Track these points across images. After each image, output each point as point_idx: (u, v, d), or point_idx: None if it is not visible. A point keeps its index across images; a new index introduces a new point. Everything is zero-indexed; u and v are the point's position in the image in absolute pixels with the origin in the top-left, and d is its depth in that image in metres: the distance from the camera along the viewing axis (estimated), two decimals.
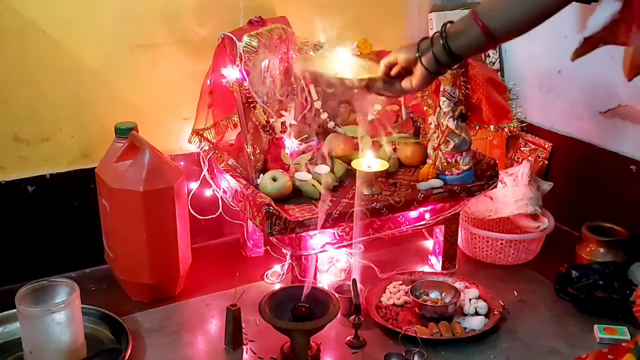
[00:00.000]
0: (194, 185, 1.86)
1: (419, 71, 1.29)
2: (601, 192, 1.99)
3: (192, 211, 1.82)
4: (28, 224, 1.80)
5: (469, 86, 1.71)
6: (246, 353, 1.54)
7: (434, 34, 1.28)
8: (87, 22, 1.76)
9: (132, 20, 1.81)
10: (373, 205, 1.61)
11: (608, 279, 1.70)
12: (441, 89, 1.74)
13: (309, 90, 1.85)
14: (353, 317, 1.55)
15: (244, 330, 1.57)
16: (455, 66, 1.28)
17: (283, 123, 1.80)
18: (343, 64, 1.53)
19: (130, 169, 1.63)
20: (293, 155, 1.75)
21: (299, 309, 1.46)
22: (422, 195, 1.67)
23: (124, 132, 1.70)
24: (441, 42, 1.24)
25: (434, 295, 1.69)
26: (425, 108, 1.83)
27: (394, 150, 1.84)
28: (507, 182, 1.89)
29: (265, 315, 1.43)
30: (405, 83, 1.33)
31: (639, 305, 1.27)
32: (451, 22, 1.25)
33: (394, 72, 1.35)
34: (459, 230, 1.86)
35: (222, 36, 1.70)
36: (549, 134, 2.15)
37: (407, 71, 1.32)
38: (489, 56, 2.26)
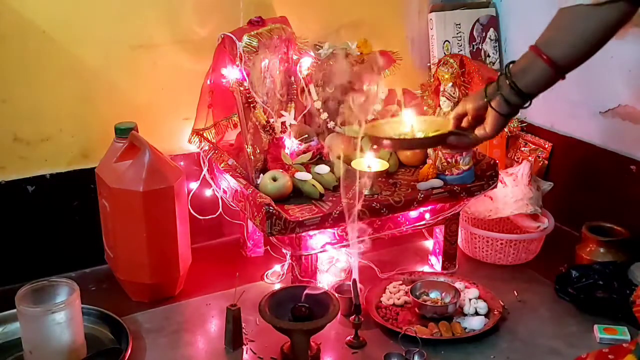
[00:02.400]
0: (194, 185, 1.86)
1: (491, 117, 1.27)
2: (601, 192, 1.99)
3: (192, 211, 1.82)
4: (28, 224, 1.80)
5: (469, 86, 1.71)
6: (246, 353, 1.54)
7: (499, 76, 1.26)
8: (87, 22, 1.76)
9: (132, 20, 1.81)
10: (373, 205, 1.61)
11: (608, 279, 1.71)
12: (441, 89, 1.74)
13: (309, 90, 1.85)
14: (353, 317, 1.55)
15: (244, 330, 1.57)
16: (527, 104, 1.26)
17: (283, 123, 1.80)
18: (409, 124, 1.50)
19: (130, 169, 1.63)
20: (293, 155, 1.75)
21: (299, 309, 1.46)
22: (422, 195, 1.67)
23: (124, 132, 1.70)
24: (508, 82, 1.23)
25: (434, 295, 1.69)
26: (425, 108, 1.83)
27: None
28: (507, 182, 1.89)
29: (265, 315, 1.43)
30: (479, 131, 1.30)
31: (639, 305, 1.27)
32: (513, 61, 1.24)
33: (465, 123, 1.33)
34: (459, 230, 1.86)
35: (222, 36, 1.70)
36: (549, 134, 2.15)
37: (477, 119, 1.30)
38: (489, 56, 2.26)
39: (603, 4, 1.14)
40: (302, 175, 1.68)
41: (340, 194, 1.59)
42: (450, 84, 1.71)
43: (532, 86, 1.23)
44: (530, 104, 1.26)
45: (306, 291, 1.47)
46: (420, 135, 1.40)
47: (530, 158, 2.16)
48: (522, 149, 2.21)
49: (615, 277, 1.71)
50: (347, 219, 1.52)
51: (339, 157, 1.76)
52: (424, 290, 1.70)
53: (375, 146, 1.49)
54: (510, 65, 1.24)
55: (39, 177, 1.79)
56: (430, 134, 1.38)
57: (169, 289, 1.74)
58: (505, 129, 1.78)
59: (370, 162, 1.68)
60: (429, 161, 1.77)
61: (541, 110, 2.16)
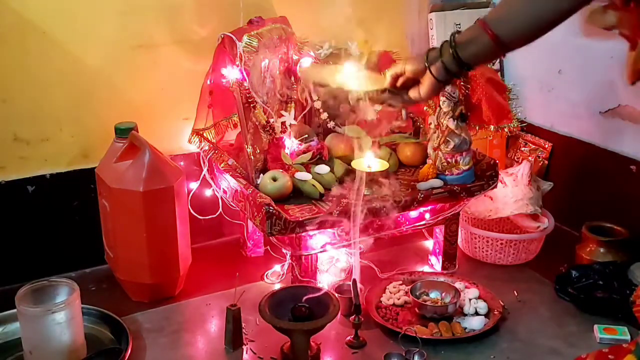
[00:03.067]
0: (194, 185, 1.86)
1: (427, 80, 1.30)
2: (601, 192, 1.99)
3: (192, 211, 1.82)
4: (28, 224, 1.80)
5: (469, 86, 1.71)
6: (246, 353, 1.54)
7: (442, 43, 1.28)
8: (87, 22, 1.76)
9: (132, 20, 1.81)
10: (373, 205, 1.61)
11: (608, 279, 1.71)
12: None
13: (309, 90, 1.85)
14: (353, 317, 1.55)
15: (244, 330, 1.57)
16: (462, 75, 1.30)
17: (283, 123, 1.80)
18: (348, 75, 1.52)
19: (130, 169, 1.63)
20: (293, 155, 1.75)
21: (299, 309, 1.46)
22: (422, 195, 1.67)
23: (124, 132, 1.70)
24: (450, 51, 1.25)
25: (434, 295, 1.69)
26: (425, 108, 1.83)
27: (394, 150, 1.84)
28: (507, 182, 1.89)
29: (265, 315, 1.43)
30: (413, 93, 1.34)
31: (639, 305, 1.27)
32: (459, 31, 1.26)
33: (400, 82, 1.35)
34: (459, 230, 1.86)
35: (222, 36, 1.70)
36: (549, 134, 2.15)
37: (414, 82, 1.33)
38: None
39: None
40: (302, 175, 1.68)
41: (341, 194, 1.59)
42: (450, 84, 1.71)
43: (473, 58, 1.25)
44: (464, 76, 1.27)
45: (307, 296, 1.47)
46: (355, 88, 1.43)
47: (530, 158, 2.16)
48: (522, 149, 2.21)
49: (615, 277, 1.71)
50: (348, 219, 1.53)
51: (339, 157, 1.76)
52: (424, 290, 1.70)
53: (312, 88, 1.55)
54: (456, 35, 1.26)
55: (39, 177, 1.79)
56: (365, 89, 1.40)
57: (169, 289, 1.74)
58: (506, 129, 1.79)
59: (370, 162, 1.68)
60: (429, 161, 1.77)
61: (541, 110, 2.16)
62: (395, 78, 1.36)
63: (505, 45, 1.21)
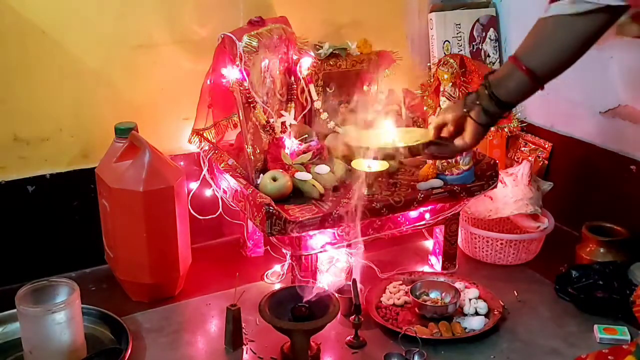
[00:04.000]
0: (194, 185, 1.86)
1: (470, 127, 1.27)
2: (601, 192, 1.99)
3: (192, 211, 1.82)
4: (28, 224, 1.80)
5: (469, 86, 1.71)
6: (246, 353, 1.54)
7: (478, 87, 1.26)
8: (87, 22, 1.76)
9: (132, 20, 1.81)
10: (373, 205, 1.61)
11: (608, 279, 1.71)
12: (441, 89, 1.74)
13: (309, 90, 1.85)
14: (353, 317, 1.55)
15: (244, 330, 1.57)
16: (506, 113, 1.26)
17: (283, 123, 1.80)
18: (388, 134, 1.51)
19: (130, 169, 1.63)
20: (293, 155, 1.75)
21: (299, 309, 1.46)
22: (422, 195, 1.67)
23: (124, 132, 1.70)
24: (487, 92, 1.23)
25: (434, 295, 1.69)
26: (425, 108, 1.83)
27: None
28: (507, 182, 1.89)
29: (265, 315, 1.43)
30: (459, 141, 1.31)
31: (639, 305, 1.27)
32: (492, 71, 1.24)
33: (445, 133, 1.33)
34: (459, 230, 1.86)
35: (222, 36, 1.70)
36: (549, 134, 2.15)
37: (458, 129, 1.30)
38: (489, 56, 2.26)
39: (582, 14, 1.13)
40: (302, 175, 1.68)
41: (340, 194, 1.59)
42: (450, 84, 1.71)
43: (511, 96, 1.23)
44: (509, 114, 1.26)
45: (307, 297, 1.47)
46: (401, 144, 1.41)
47: (530, 158, 2.16)
48: (522, 149, 2.21)
49: (615, 277, 1.71)
50: (348, 219, 1.53)
51: (338, 157, 1.76)
52: (424, 290, 1.70)
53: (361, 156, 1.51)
54: (490, 76, 1.24)
55: (39, 177, 1.79)
56: (411, 144, 1.38)
57: (169, 289, 1.74)
58: (506, 129, 1.79)
59: (370, 162, 1.68)
60: (429, 161, 1.77)
61: (541, 110, 2.16)
62: (439, 129, 1.33)
63: (540, 77, 1.19)
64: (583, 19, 1.14)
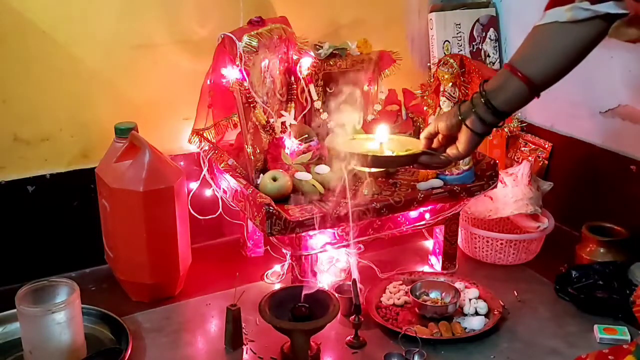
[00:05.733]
0: (194, 185, 1.86)
1: (464, 135, 1.25)
2: (601, 192, 1.99)
3: (192, 211, 1.82)
4: (28, 224, 1.80)
5: (469, 86, 1.71)
6: (246, 353, 1.54)
7: (473, 95, 1.23)
8: (87, 22, 1.76)
9: (132, 20, 1.81)
10: (373, 205, 1.61)
11: (608, 279, 1.71)
12: (441, 89, 1.74)
13: (309, 90, 1.85)
14: (353, 317, 1.55)
15: (244, 330, 1.57)
16: (501, 123, 1.24)
17: (283, 123, 1.80)
18: (379, 142, 1.49)
19: (130, 169, 1.63)
20: (293, 155, 1.75)
21: (299, 309, 1.46)
22: (422, 195, 1.67)
23: (124, 132, 1.70)
24: (482, 101, 1.20)
25: (434, 295, 1.69)
26: (425, 108, 1.83)
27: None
28: (507, 182, 1.89)
29: (265, 315, 1.43)
30: (451, 150, 1.29)
31: (639, 306, 1.27)
32: (487, 80, 1.22)
33: (436, 143, 1.31)
34: (459, 230, 1.86)
35: (222, 36, 1.70)
36: (549, 134, 2.15)
37: (449, 139, 1.28)
38: (489, 56, 2.26)
39: (579, 21, 1.12)
40: (302, 175, 1.68)
41: (341, 194, 1.59)
42: (450, 84, 1.71)
43: (507, 104, 1.21)
44: (504, 124, 1.24)
45: (304, 291, 1.48)
46: (389, 153, 1.39)
47: (530, 158, 2.16)
48: (522, 149, 2.21)
49: (615, 277, 1.71)
50: (347, 219, 1.53)
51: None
52: (424, 290, 1.70)
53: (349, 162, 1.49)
54: (485, 84, 1.22)
55: (39, 177, 1.79)
56: (401, 153, 1.36)
57: (169, 289, 1.74)
58: (506, 129, 1.79)
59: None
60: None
61: (541, 110, 2.16)
62: (430, 139, 1.31)
63: (537, 85, 1.18)
64: (580, 26, 1.13)
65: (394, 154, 1.39)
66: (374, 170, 1.65)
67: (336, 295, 1.52)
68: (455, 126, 1.26)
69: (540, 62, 1.18)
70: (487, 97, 1.20)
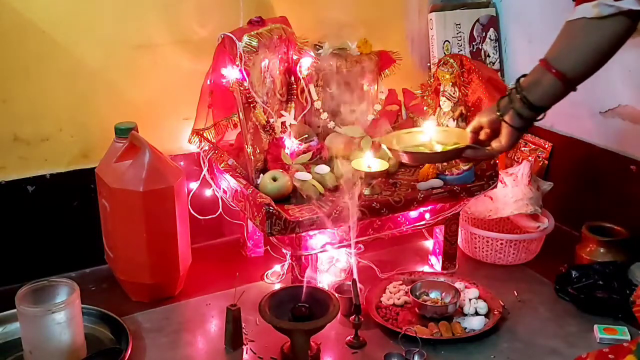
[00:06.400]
0: (194, 185, 1.86)
1: (505, 130, 1.28)
2: (601, 192, 1.99)
3: (192, 211, 1.82)
4: (28, 224, 1.80)
5: (469, 86, 1.71)
6: (246, 353, 1.54)
7: (510, 90, 1.27)
8: (87, 22, 1.76)
9: (132, 20, 1.81)
10: (373, 205, 1.61)
11: (608, 279, 1.71)
12: (441, 89, 1.74)
13: (309, 90, 1.85)
14: (353, 317, 1.55)
15: (244, 330, 1.57)
16: (540, 117, 1.27)
17: (283, 123, 1.80)
18: (426, 136, 1.50)
19: (130, 169, 1.63)
20: (293, 155, 1.75)
21: (299, 309, 1.46)
22: (422, 195, 1.67)
23: (124, 132, 1.70)
24: (519, 96, 1.24)
25: (434, 295, 1.69)
26: (425, 108, 1.83)
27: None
28: (507, 182, 1.89)
29: (265, 315, 1.43)
30: (495, 144, 1.32)
31: (639, 305, 1.27)
32: (524, 75, 1.25)
33: (482, 136, 1.34)
34: (459, 230, 1.86)
35: (222, 36, 1.70)
36: (549, 134, 2.15)
37: (494, 132, 1.31)
38: (489, 56, 2.26)
39: (605, 17, 1.14)
40: (302, 175, 1.68)
41: (340, 194, 1.59)
42: (450, 84, 1.71)
43: (543, 100, 1.24)
44: (544, 116, 1.26)
45: (305, 287, 1.48)
46: (438, 148, 1.41)
47: (530, 158, 2.16)
48: (522, 149, 2.21)
49: (615, 277, 1.71)
50: (347, 219, 1.53)
51: (338, 157, 1.76)
52: (424, 290, 1.70)
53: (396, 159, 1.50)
54: (521, 79, 1.25)
55: (39, 177, 1.79)
56: (447, 148, 1.39)
57: (169, 289, 1.74)
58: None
59: (370, 162, 1.68)
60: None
61: None
62: (476, 132, 1.34)
63: (571, 80, 1.20)
64: (607, 22, 1.15)
65: (442, 149, 1.41)
66: (376, 170, 1.65)
67: (336, 295, 1.52)
68: (495, 121, 1.29)
69: (571, 58, 1.20)
70: (522, 92, 1.23)
